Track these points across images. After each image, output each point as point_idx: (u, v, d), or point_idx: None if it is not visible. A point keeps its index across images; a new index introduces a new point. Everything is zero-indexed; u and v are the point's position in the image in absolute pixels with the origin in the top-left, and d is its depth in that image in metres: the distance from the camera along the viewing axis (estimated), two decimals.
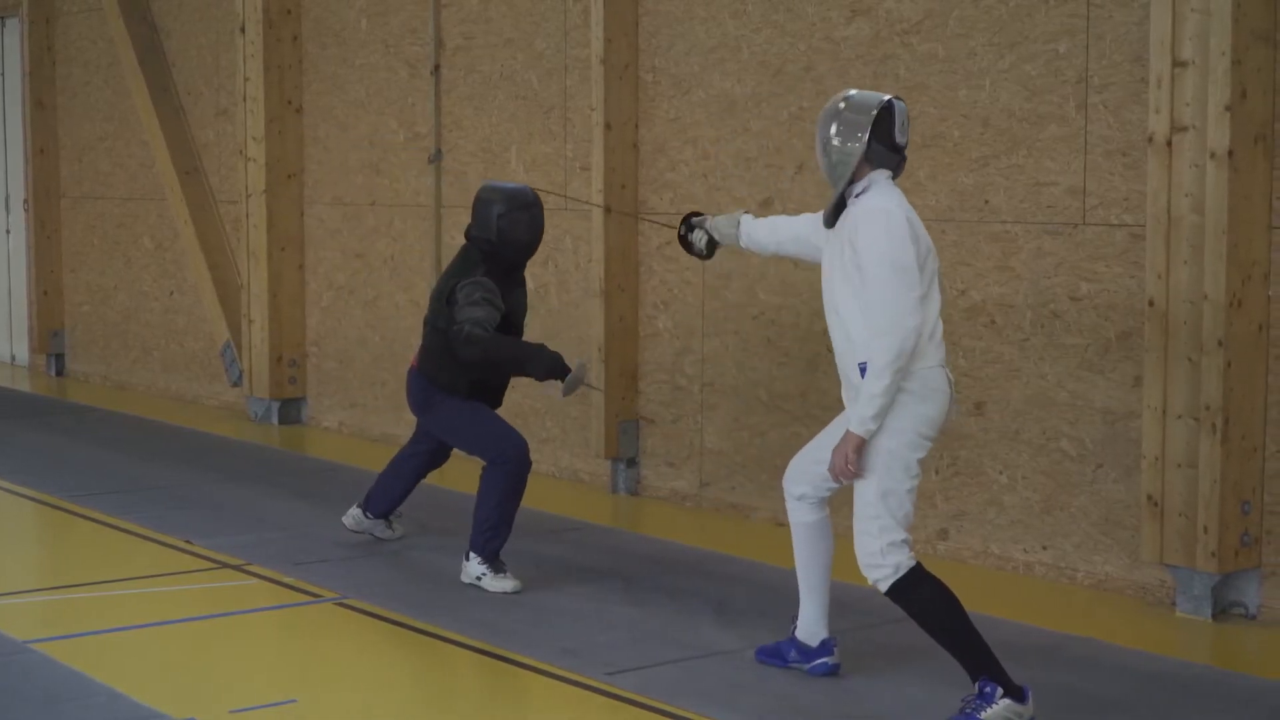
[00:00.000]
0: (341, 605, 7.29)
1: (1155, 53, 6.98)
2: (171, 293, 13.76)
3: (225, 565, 7.98)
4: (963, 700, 5.62)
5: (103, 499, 9.40)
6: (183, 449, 11.24)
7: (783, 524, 8.86)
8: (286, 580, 7.68)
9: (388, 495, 8.22)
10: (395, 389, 11.41)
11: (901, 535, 5.67)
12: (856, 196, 5.77)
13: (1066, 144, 7.58)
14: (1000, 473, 7.92)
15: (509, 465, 7.48)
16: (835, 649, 6.21)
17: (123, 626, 6.92)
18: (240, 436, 11.84)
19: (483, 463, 7.65)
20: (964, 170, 7.97)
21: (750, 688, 6.09)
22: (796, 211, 8.68)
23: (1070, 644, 6.71)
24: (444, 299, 7.51)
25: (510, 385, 10.49)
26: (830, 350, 8.59)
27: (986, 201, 7.89)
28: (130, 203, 14.21)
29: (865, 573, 5.72)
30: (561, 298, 10.15)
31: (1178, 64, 6.90)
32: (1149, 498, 7.13)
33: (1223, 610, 7.11)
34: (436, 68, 10.98)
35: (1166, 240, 6.97)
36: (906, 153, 5.89)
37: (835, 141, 5.77)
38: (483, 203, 7.55)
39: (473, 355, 7.36)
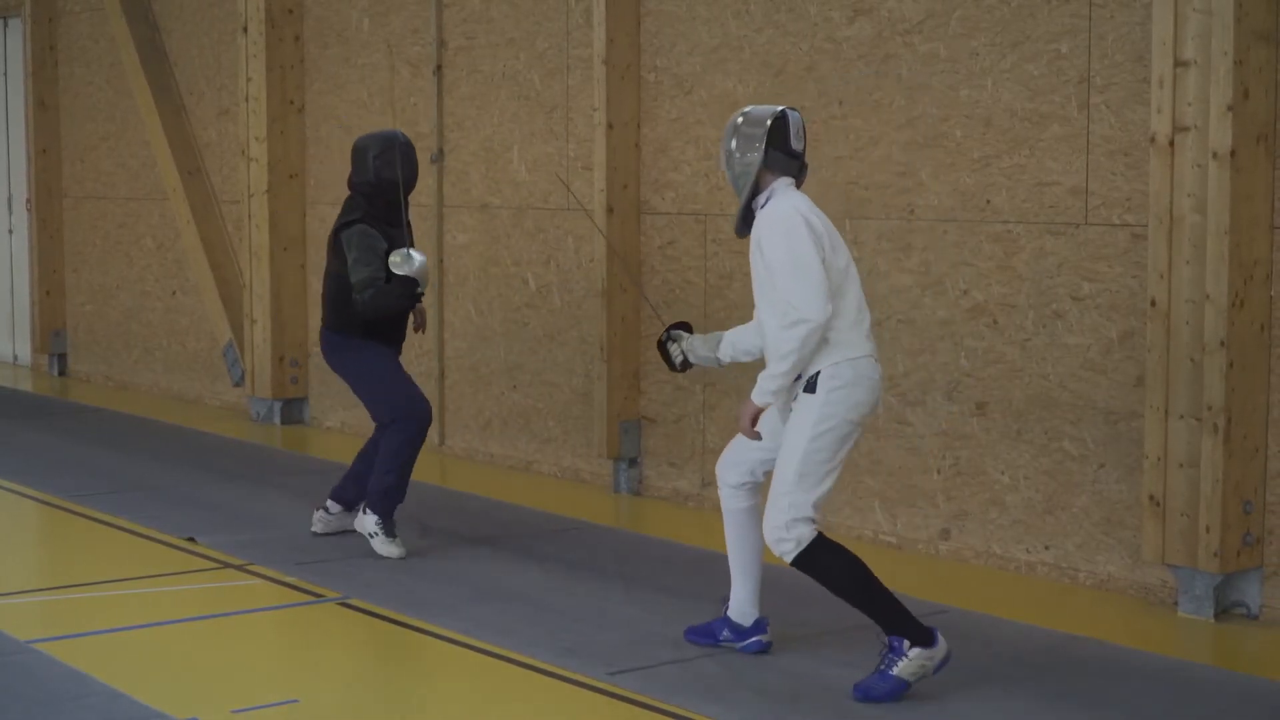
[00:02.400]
0: (343, 605, 7.29)
1: (1157, 53, 6.98)
2: (174, 292, 13.76)
3: (227, 565, 7.98)
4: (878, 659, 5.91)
5: (104, 499, 9.41)
6: (184, 449, 11.24)
7: None
8: (288, 580, 7.68)
9: (359, 484, 8.32)
10: None
11: (807, 513, 5.93)
12: (762, 207, 6.11)
13: (1068, 144, 7.58)
14: (1002, 473, 7.91)
15: (410, 427, 7.95)
16: (768, 628, 6.47)
17: (124, 626, 6.92)
18: (242, 436, 11.85)
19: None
20: (966, 170, 7.96)
21: (751, 687, 6.09)
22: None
23: (1072, 644, 6.71)
24: (330, 243, 8.08)
25: (513, 386, 10.53)
26: None
27: (988, 201, 7.89)
28: (132, 203, 14.22)
29: (772, 548, 6.02)
30: (564, 297, 10.15)
31: (1180, 64, 6.89)
32: (1151, 498, 7.12)
33: (1225, 610, 7.11)
34: (438, 67, 10.98)
35: (1168, 240, 6.97)
36: (806, 159, 6.25)
37: (736, 154, 6.14)
38: (359, 151, 8.12)
39: (371, 315, 7.94)
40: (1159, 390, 7.06)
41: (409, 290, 7.95)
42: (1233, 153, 6.76)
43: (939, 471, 8.14)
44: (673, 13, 9.40)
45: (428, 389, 11.19)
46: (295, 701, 5.98)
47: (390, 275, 7.95)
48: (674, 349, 6.71)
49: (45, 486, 9.77)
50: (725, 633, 6.51)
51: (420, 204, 11.21)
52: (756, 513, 6.41)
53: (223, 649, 6.68)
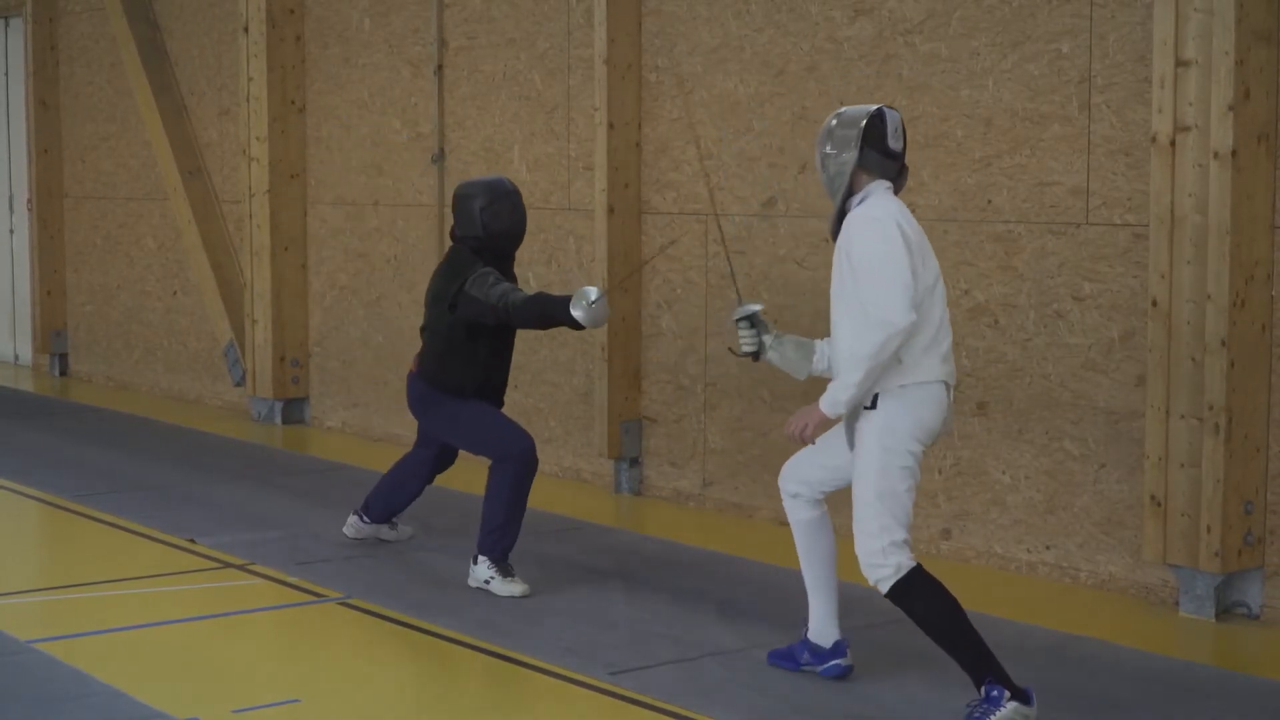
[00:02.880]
0: (344, 605, 7.29)
1: (1158, 52, 6.98)
2: (174, 292, 13.76)
3: (228, 565, 7.98)
4: (969, 705, 5.60)
5: (105, 499, 9.41)
6: (185, 449, 11.25)
7: (785, 524, 8.84)
8: (289, 580, 7.68)
9: (388, 501, 8.16)
10: (398, 389, 11.41)
11: (902, 535, 5.66)
12: (855, 208, 5.80)
13: (1069, 144, 7.57)
14: (1003, 472, 7.91)
15: (515, 464, 7.43)
16: (848, 650, 6.19)
17: (125, 626, 6.92)
18: (243, 436, 11.85)
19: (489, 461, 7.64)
20: (967, 170, 7.96)
21: (753, 688, 6.09)
22: (800, 211, 8.70)
23: (1073, 644, 6.71)
24: (445, 303, 7.49)
25: (514, 385, 10.52)
26: None
27: (989, 201, 7.89)
28: (133, 202, 14.22)
29: (866, 573, 5.72)
30: None
31: (1180, 64, 6.89)
32: (1152, 498, 7.12)
33: (1226, 610, 7.11)
34: (439, 67, 10.98)
35: (1169, 240, 6.97)
36: (906, 159, 5.91)
37: (831, 155, 5.83)
38: (463, 199, 7.57)
39: (519, 321, 7.33)
40: (1160, 390, 7.05)
41: (562, 316, 7.21)
42: (1234, 152, 6.76)
43: (940, 471, 8.13)
44: (673, 13, 9.39)
45: None
46: (296, 701, 5.98)
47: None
48: (767, 340, 6.19)
49: (46, 486, 9.77)
50: (805, 656, 6.22)
51: (421, 204, 11.22)
52: (825, 523, 6.15)
53: (223, 649, 6.68)
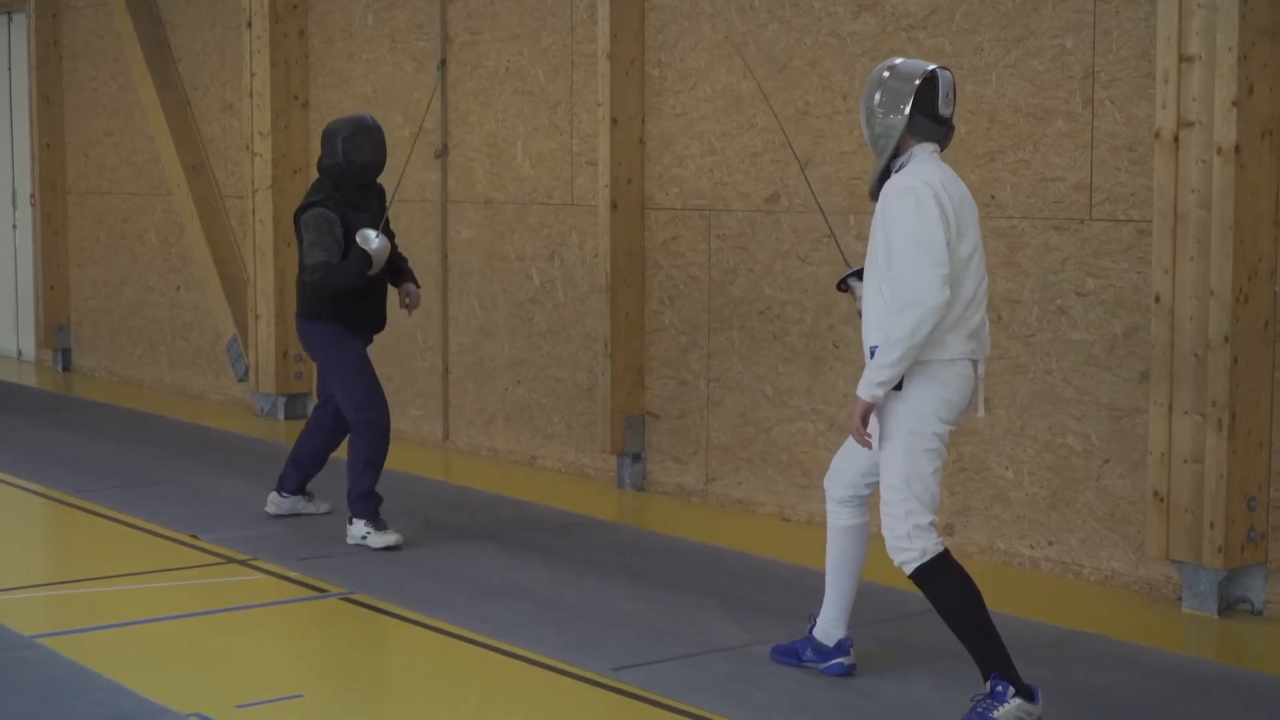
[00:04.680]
0: (347, 600, 7.29)
1: (1162, 48, 6.97)
2: (178, 288, 13.76)
3: (231, 560, 7.98)
4: (973, 699, 5.59)
5: (108, 494, 9.41)
6: (188, 444, 11.25)
7: (788, 519, 8.87)
8: (292, 575, 7.68)
9: (298, 467, 8.69)
10: (401, 384, 11.42)
11: (929, 518, 5.61)
12: (897, 171, 5.69)
13: (1073, 139, 7.57)
14: (1006, 468, 7.91)
15: (370, 429, 8.10)
16: (851, 649, 6.19)
17: (128, 621, 6.92)
18: (246, 431, 11.85)
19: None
20: (970, 165, 7.96)
21: (756, 684, 6.09)
22: (803, 207, 8.69)
23: (1076, 640, 6.71)
24: (295, 225, 8.25)
25: (518, 381, 10.52)
26: (835, 346, 8.62)
27: (993, 197, 7.88)
28: (136, 198, 14.22)
29: (891, 555, 5.67)
30: (568, 293, 10.15)
31: (1184, 59, 6.89)
32: (1155, 493, 7.12)
33: (1229, 606, 7.11)
34: (443, 62, 10.97)
35: (1173, 236, 6.96)
36: (954, 122, 5.81)
37: (879, 112, 5.67)
38: (329, 135, 8.22)
39: (323, 295, 8.09)
40: (1163, 386, 7.05)
41: (359, 269, 8.00)
42: (1237, 148, 6.75)
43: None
44: (677, 8, 9.39)
45: (431, 384, 11.21)
46: (299, 696, 5.98)
47: (344, 258, 8.08)
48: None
49: (49, 481, 9.78)
50: (809, 653, 6.21)
51: (424, 199, 11.21)
52: (863, 532, 6.09)
53: (226, 644, 6.69)
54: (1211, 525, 6.92)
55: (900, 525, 5.62)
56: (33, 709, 5.76)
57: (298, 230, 8.20)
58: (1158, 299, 7.05)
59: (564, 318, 10.17)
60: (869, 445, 5.68)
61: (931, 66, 5.72)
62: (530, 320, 10.44)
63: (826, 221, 7.13)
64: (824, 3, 8.59)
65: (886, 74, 5.71)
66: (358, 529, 8.12)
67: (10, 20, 15.79)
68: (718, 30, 9.17)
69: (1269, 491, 7.04)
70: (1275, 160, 6.91)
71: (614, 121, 9.51)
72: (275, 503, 8.75)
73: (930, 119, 5.68)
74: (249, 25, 12.18)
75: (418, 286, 8.54)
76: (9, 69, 15.94)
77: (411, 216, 11.33)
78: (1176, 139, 6.92)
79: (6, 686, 6.00)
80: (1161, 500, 7.09)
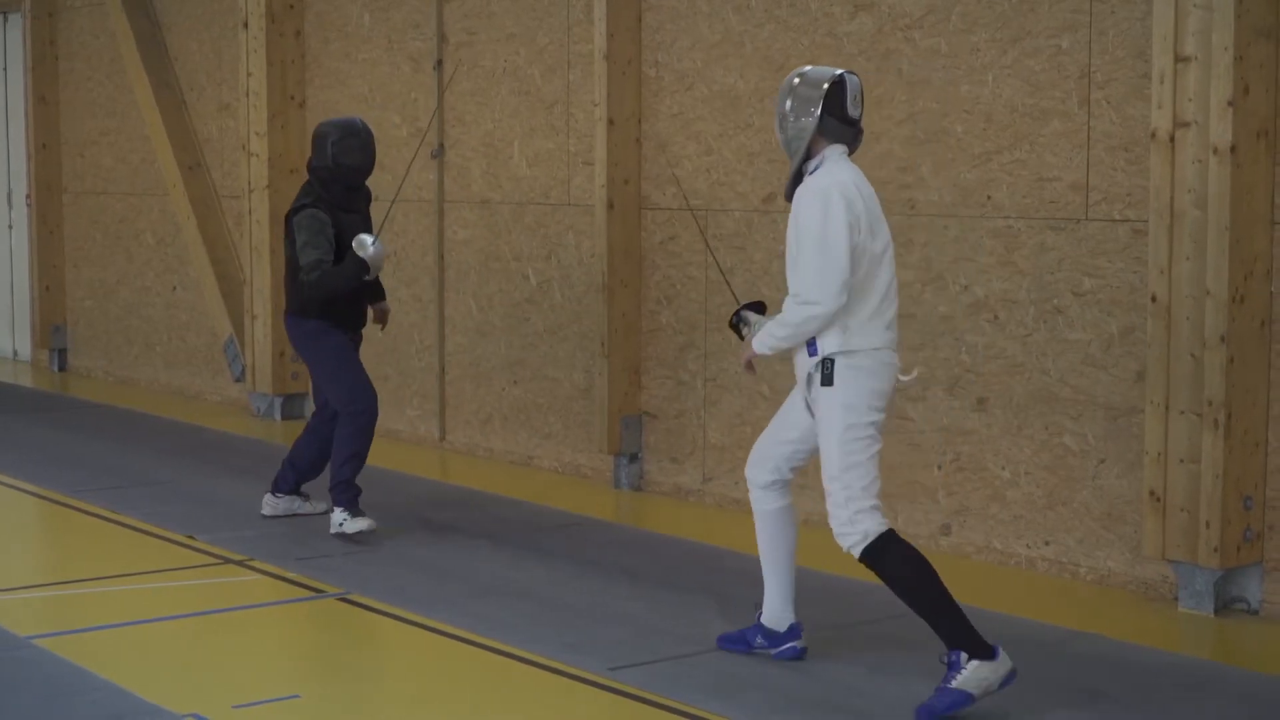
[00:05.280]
0: (344, 601, 7.29)
1: (1158, 48, 6.98)
2: (174, 288, 13.76)
3: (228, 560, 7.98)
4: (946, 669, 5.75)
5: (105, 494, 9.41)
6: (185, 444, 11.25)
7: None
8: (289, 575, 7.68)
9: (294, 468, 8.68)
10: (398, 384, 11.42)
11: (869, 502, 5.82)
12: (811, 173, 5.94)
13: (1069, 139, 7.57)
14: (1003, 468, 7.91)
15: (357, 419, 8.18)
16: (802, 633, 6.32)
17: (125, 622, 6.92)
18: (243, 432, 11.85)
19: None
20: (966, 166, 7.96)
21: (753, 683, 6.09)
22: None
23: (1073, 640, 6.71)
24: (285, 225, 8.30)
25: (514, 381, 10.52)
26: None
27: (989, 197, 7.89)
28: (132, 198, 14.21)
29: (838, 540, 5.88)
30: (565, 293, 10.15)
31: (1180, 59, 6.89)
32: (1151, 493, 7.12)
33: (1225, 606, 7.11)
34: (439, 62, 10.97)
35: (1169, 236, 6.97)
36: (863, 125, 6.05)
37: (790, 117, 5.93)
38: (319, 137, 8.30)
39: (318, 296, 8.18)
40: (1159, 386, 7.06)
41: (356, 273, 8.10)
42: (1233, 148, 6.76)
43: (940, 467, 8.14)
44: (674, 8, 9.39)
45: (428, 384, 11.21)
46: (296, 697, 5.98)
47: (339, 260, 8.17)
48: (745, 331, 6.48)
49: (45, 482, 9.77)
50: (759, 639, 6.35)
51: (421, 199, 11.21)
52: (790, 513, 6.29)
53: (223, 645, 6.69)
54: (1208, 525, 6.93)
55: (842, 511, 5.83)
56: (30, 709, 5.76)
57: (289, 231, 8.28)
58: (1154, 299, 7.05)
59: (561, 318, 10.17)
60: (752, 371, 6.29)
61: (839, 71, 5.96)
62: (527, 320, 10.44)
63: (715, 258, 7.46)
64: (820, 3, 8.59)
65: (797, 80, 6.00)
66: (337, 516, 8.21)
67: (6, 20, 15.78)
68: (714, 30, 9.17)
69: (1265, 491, 7.04)
70: (1271, 160, 6.92)
71: (610, 122, 9.51)
72: (270, 504, 8.75)
73: (839, 121, 5.93)
74: (245, 25, 12.18)
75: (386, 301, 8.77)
76: (5, 69, 15.93)
77: (408, 216, 11.33)
78: (1173, 139, 6.93)
79: (3, 687, 5.99)
80: (1158, 500, 7.09)
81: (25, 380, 14.79)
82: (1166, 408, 7.03)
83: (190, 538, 8.39)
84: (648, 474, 9.73)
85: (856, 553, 5.83)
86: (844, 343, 5.81)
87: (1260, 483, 7.03)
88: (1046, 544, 7.77)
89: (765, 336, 5.96)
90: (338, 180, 8.26)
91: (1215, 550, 6.93)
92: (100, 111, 14.57)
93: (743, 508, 9.08)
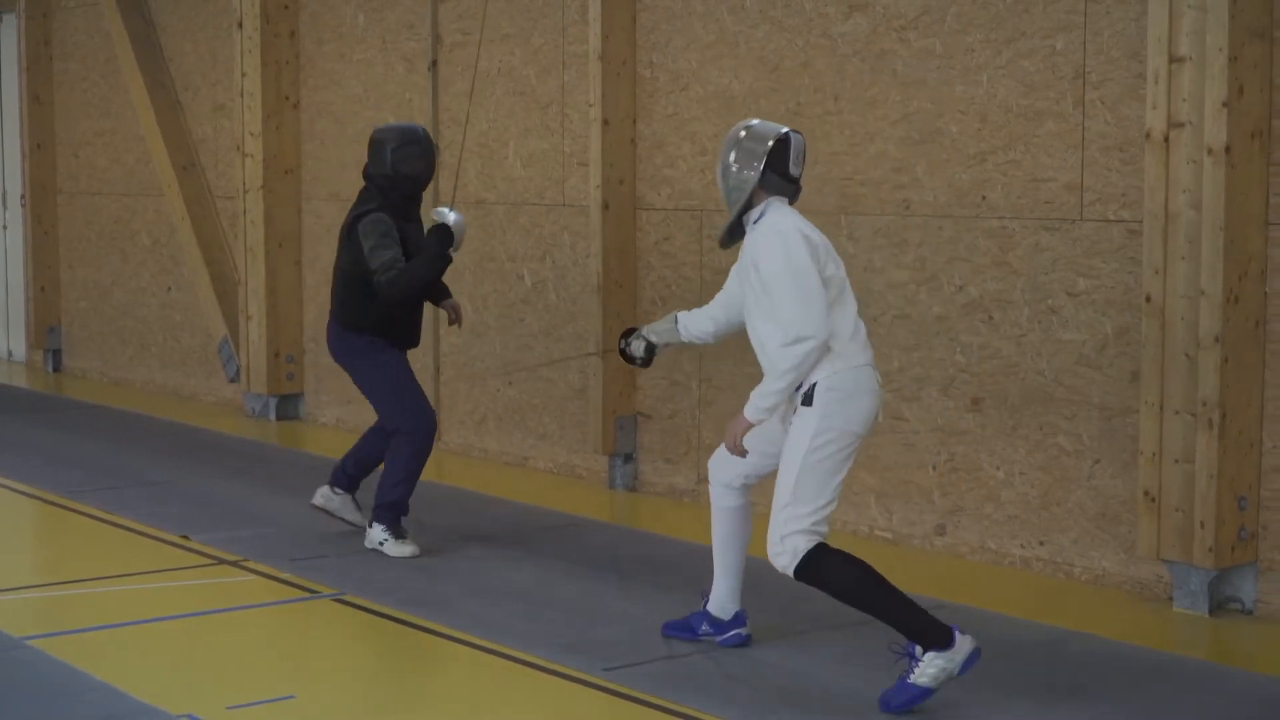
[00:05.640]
0: (339, 601, 7.29)
1: (1152, 49, 6.98)
2: (169, 288, 13.75)
3: (222, 561, 7.98)
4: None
5: (99, 495, 9.40)
6: (180, 445, 11.24)
7: None
8: (284, 576, 7.68)
9: (358, 465, 8.33)
10: None
11: (803, 525, 5.84)
12: (754, 222, 6.05)
13: (1064, 140, 7.58)
14: (997, 468, 7.92)
15: (415, 439, 7.90)
16: (747, 620, 6.47)
17: (120, 622, 6.92)
18: (237, 432, 11.84)
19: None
20: (961, 166, 7.97)
21: (747, 682, 6.10)
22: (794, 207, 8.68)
23: (1067, 639, 6.72)
24: (344, 234, 7.94)
25: (509, 382, 10.52)
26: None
27: (984, 197, 7.89)
28: (127, 198, 14.21)
29: (772, 561, 5.93)
30: (560, 294, 10.15)
31: (1175, 60, 6.90)
32: (1146, 493, 7.13)
33: (1219, 605, 7.12)
34: (434, 63, 10.97)
35: (1164, 236, 6.97)
36: (801, 183, 6.17)
37: (734, 169, 6.07)
38: (377, 143, 8.01)
39: (398, 295, 7.80)
40: (1154, 386, 7.06)
41: (440, 250, 7.77)
42: (1227, 149, 6.77)
43: (934, 467, 8.14)
44: (668, 8, 9.39)
45: (423, 384, 11.18)
46: (291, 698, 5.98)
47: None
48: (635, 343, 6.73)
49: (40, 482, 9.76)
50: (704, 626, 6.52)
51: None
52: (746, 511, 6.43)
53: (218, 645, 6.68)
54: (1202, 525, 6.94)
55: (775, 531, 5.91)
56: (24, 710, 5.75)
57: (350, 239, 7.92)
58: (1148, 299, 7.06)
59: (555, 318, 10.17)
60: (743, 454, 6.09)
61: (784, 130, 6.08)
62: (522, 321, 10.44)
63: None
64: (815, 4, 8.60)
65: (743, 134, 6.13)
66: (376, 533, 7.96)
67: (0, 21, 15.76)
68: (709, 31, 9.17)
69: (1259, 491, 7.05)
70: (1265, 161, 6.92)
71: (605, 122, 9.51)
72: (324, 497, 8.36)
73: (781, 177, 6.07)
74: (240, 26, 12.17)
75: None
76: None
77: None
78: (1167, 139, 6.94)
79: None
80: (1152, 500, 7.10)
81: (20, 381, 14.78)
82: (1161, 408, 7.04)
83: (185, 538, 8.38)
84: (642, 474, 9.73)
85: (789, 572, 5.89)
86: (832, 362, 5.87)
87: (1254, 483, 7.03)
88: (1041, 544, 7.77)
89: (757, 400, 5.92)
90: (396, 189, 7.95)
91: (1210, 550, 6.93)
92: (95, 112, 14.56)
93: None
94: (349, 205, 11.54)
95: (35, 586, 7.68)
